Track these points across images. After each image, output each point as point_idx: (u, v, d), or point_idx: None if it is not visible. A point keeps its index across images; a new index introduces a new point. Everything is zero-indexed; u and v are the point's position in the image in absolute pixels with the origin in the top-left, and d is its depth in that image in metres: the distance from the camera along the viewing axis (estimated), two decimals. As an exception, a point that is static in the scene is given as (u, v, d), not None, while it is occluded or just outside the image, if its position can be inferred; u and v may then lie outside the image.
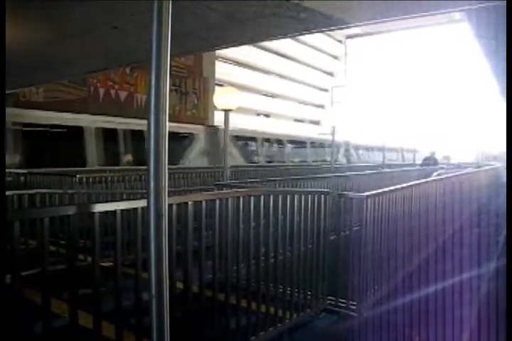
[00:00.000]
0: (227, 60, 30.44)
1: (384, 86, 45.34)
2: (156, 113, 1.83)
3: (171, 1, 1.86)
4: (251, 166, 15.56)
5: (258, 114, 35.98)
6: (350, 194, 4.30)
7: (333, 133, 13.22)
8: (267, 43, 30.23)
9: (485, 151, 30.26)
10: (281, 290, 3.68)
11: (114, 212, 2.42)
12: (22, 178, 8.70)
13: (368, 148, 27.48)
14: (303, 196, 3.87)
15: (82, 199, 6.30)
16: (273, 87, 37.48)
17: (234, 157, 15.98)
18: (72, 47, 5.63)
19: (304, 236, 3.88)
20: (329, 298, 4.18)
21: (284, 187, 6.71)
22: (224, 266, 3.21)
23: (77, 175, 7.49)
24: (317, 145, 22.32)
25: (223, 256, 3.22)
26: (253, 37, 5.47)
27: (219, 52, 23.42)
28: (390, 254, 4.39)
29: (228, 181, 6.52)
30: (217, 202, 3.06)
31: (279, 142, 20.27)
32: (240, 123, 18.86)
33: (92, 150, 12.48)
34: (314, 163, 20.40)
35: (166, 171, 1.85)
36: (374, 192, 4.19)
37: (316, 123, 43.65)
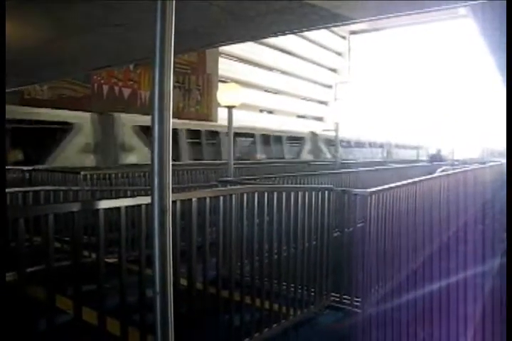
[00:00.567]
0: (230, 56, 30.39)
1: (388, 82, 45.20)
2: (160, 110, 1.84)
3: (174, 0, 1.86)
4: (254, 163, 15.54)
5: (261, 111, 35.95)
6: (354, 190, 4.28)
7: (336, 130, 13.22)
8: (269, 39, 30.13)
9: (490, 147, 30.18)
10: (285, 286, 3.69)
11: (119, 208, 2.42)
12: (27, 175, 8.73)
13: (371, 145, 27.39)
14: (306, 192, 3.87)
15: (87, 196, 6.33)
16: (276, 83, 37.42)
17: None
18: (75, 45, 5.63)
19: (307, 232, 3.88)
20: (333, 294, 4.18)
21: (287, 183, 6.70)
22: (228, 262, 3.21)
23: (82, 172, 7.51)
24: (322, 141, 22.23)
25: (227, 253, 3.22)
26: (256, 34, 5.46)
27: (222, 48, 23.40)
28: (394, 251, 4.39)
29: (232, 178, 6.53)
30: (221, 198, 3.07)
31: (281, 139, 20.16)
32: (243, 119, 18.85)
33: None
34: (319, 160, 20.36)
35: (170, 168, 1.85)
36: (378, 188, 4.18)
37: (320, 119, 43.57)
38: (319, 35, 38.91)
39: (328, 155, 20.98)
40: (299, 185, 6.35)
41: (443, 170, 9.49)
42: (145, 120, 12.32)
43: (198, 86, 20.01)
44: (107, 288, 2.39)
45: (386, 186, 4.39)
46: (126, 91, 16.54)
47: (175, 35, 1.87)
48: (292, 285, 3.76)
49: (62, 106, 12.76)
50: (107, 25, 4.64)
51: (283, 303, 3.62)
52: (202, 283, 2.90)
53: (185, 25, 4.44)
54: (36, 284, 2.22)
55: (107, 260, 2.46)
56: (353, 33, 47.21)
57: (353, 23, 4.84)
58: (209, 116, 20.26)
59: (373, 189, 4.09)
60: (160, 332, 1.94)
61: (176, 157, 13.93)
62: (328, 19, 4.57)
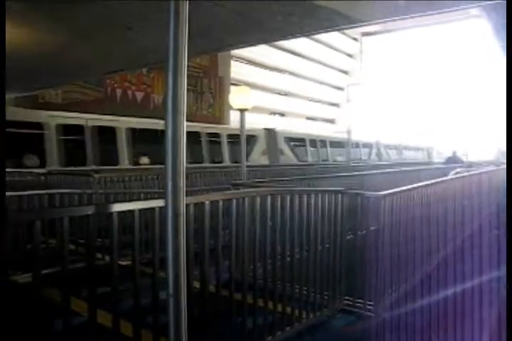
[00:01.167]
0: (242, 59, 30.47)
1: (400, 83, 44.93)
2: (174, 113, 1.84)
3: (187, 3, 1.87)
4: (269, 165, 15.57)
5: (273, 113, 35.95)
6: (367, 193, 4.25)
7: (348, 132, 13.18)
8: (281, 42, 30.17)
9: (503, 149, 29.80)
10: (297, 289, 3.68)
11: (132, 211, 2.44)
12: (42, 178, 8.84)
13: (385, 147, 27.21)
14: (319, 195, 3.86)
15: (100, 198, 6.37)
16: (287, 85, 37.40)
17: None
18: (89, 50, 5.69)
19: (320, 235, 3.87)
20: (346, 298, 4.16)
21: (300, 186, 6.69)
22: (241, 265, 3.21)
23: (96, 175, 7.57)
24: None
25: (240, 256, 3.22)
26: (268, 36, 5.47)
27: (234, 51, 23.45)
28: (408, 254, 4.35)
29: (244, 180, 6.54)
30: (234, 201, 3.07)
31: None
32: (255, 122, 18.88)
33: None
34: (333, 162, 20.27)
35: (184, 171, 1.86)
36: (391, 191, 4.14)
37: (331, 121, 43.47)
38: (330, 37, 38.85)
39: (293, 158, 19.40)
40: (311, 188, 6.33)
41: (457, 173, 9.38)
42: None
43: (210, 89, 20.09)
44: (121, 290, 2.40)
45: (399, 189, 4.36)
46: (139, 95, 16.66)
47: (187, 38, 1.88)
48: (305, 288, 3.74)
49: (75, 110, 12.88)
50: (120, 30, 4.68)
51: (296, 306, 3.61)
52: (215, 286, 2.90)
53: (198, 28, 4.45)
54: (51, 286, 2.24)
55: (120, 262, 2.47)
56: (365, 34, 47.01)
57: (365, 25, 4.83)
58: (221, 119, 20.32)
59: (386, 191, 4.06)
60: (173, 335, 1.94)
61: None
62: (340, 21, 4.56)
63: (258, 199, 3.28)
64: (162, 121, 1.88)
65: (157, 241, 2.49)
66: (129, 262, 2.53)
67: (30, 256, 2.10)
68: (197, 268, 2.77)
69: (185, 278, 1.95)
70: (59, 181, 8.24)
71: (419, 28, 42.06)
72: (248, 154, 17.70)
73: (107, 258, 2.55)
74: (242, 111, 6.67)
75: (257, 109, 25.25)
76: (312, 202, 3.75)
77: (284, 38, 5.45)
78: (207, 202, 2.79)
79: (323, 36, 36.58)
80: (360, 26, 4.85)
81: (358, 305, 4.07)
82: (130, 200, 4.69)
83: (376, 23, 4.80)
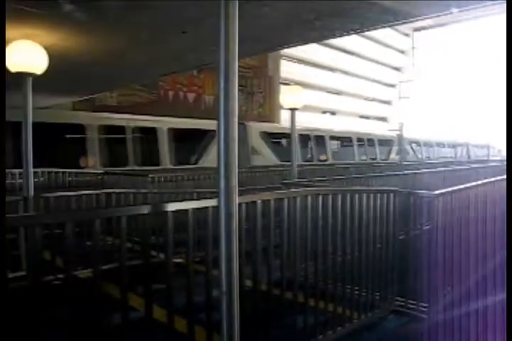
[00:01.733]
0: (291, 58, 30.39)
1: (453, 79, 43.27)
2: (226, 114, 1.88)
3: (237, 4, 1.90)
4: (318, 164, 15.48)
5: (324, 112, 35.64)
6: (420, 192, 4.15)
7: (401, 130, 12.87)
8: (330, 40, 29.86)
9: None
10: (349, 289, 3.64)
11: (186, 210, 2.49)
12: (99, 177, 9.24)
13: (437, 145, 26.40)
14: (371, 194, 3.81)
15: (155, 198, 6.55)
16: (338, 83, 36.97)
17: None
18: (143, 53, 5.87)
19: (372, 235, 3.82)
20: (398, 298, 4.08)
21: (352, 185, 6.61)
22: (292, 264, 3.22)
23: (150, 175, 7.80)
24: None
25: (291, 255, 3.23)
26: (317, 35, 5.44)
27: (283, 50, 23.44)
28: (463, 255, 4.21)
29: (295, 180, 6.53)
30: (286, 200, 3.08)
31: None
32: (306, 121, 18.79)
33: None
34: (383, 161, 19.90)
35: (236, 171, 1.89)
36: (445, 190, 4.02)
37: (383, 119, 42.58)
38: (381, 33, 37.99)
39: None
40: (363, 187, 6.24)
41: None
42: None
43: (260, 89, 20.21)
44: (175, 287, 2.46)
45: (454, 188, 4.22)
46: (191, 96, 16.99)
47: (238, 39, 1.91)
48: (357, 288, 3.71)
49: (130, 112, 13.32)
50: (174, 34, 4.80)
51: (347, 306, 3.58)
52: (266, 284, 2.93)
53: (248, 29, 4.51)
54: (109, 281, 2.34)
55: (174, 260, 2.54)
56: (417, 29, 45.68)
57: (417, 20, 4.72)
58: (272, 118, 20.39)
59: (440, 191, 3.95)
60: (226, 332, 1.98)
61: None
62: (391, 17, 4.49)
63: (309, 199, 3.27)
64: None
65: (210, 240, 2.54)
66: (183, 260, 2.59)
67: (90, 253, 2.20)
68: (249, 267, 2.80)
69: (237, 276, 1.98)
70: (117, 181, 8.59)
71: (471, 20, 40.33)
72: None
73: (162, 255, 2.62)
74: (292, 110, 6.66)
75: (308, 108, 25.14)
76: (364, 201, 3.71)
77: (335, 36, 5.41)
78: (259, 202, 2.81)
79: (373, 33, 35.88)
80: (412, 22, 4.73)
81: (410, 306, 3.99)
82: (184, 200, 4.79)
83: (426, 19, 4.68)
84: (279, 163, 14.51)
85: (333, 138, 18.65)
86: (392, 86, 43.53)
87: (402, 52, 46.17)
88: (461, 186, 4.34)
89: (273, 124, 17.63)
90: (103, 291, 2.25)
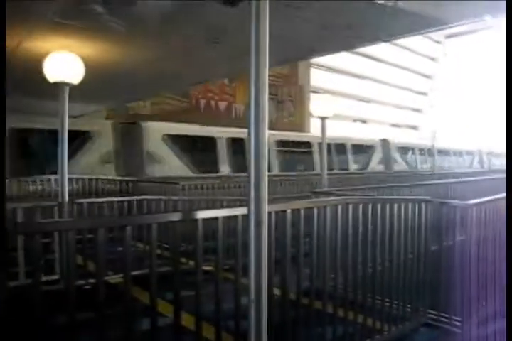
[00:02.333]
0: (321, 66, 30.34)
1: (487, 86, 42.20)
2: (256, 123, 1.89)
3: (268, 15, 1.92)
4: (347, 173, 15.35)
5: (354, 120, 35.38)
6: (454, 202, 4.06)
7: (433, 138, 12.64)
8: (362, 48, 29.70)
9: None
10: (379, 300, 3.58)
11: (216, 218, 2.51)
12: (131, 185, 9.42)
13: (471, 153, 25.81)
14: (402, 204, 3.75)
15: (185, 205, 6.61)
16: (369, 92, 36.67)
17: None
18: (176, 63, 5.97)
19: (403, 245, 3.75)
20: (430, 311, 3.99)
21: (382, 194, 6.52)
22: (321, 273, 3.19)
23: (181, 183, 7.88)
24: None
25: (321, 264, 3.21)
26: (348, 44, 5.44)
27: (313, 59, 23.46)
28: (498, 267, 4.08)
29: (325, 189, 6.49)
30: (315, 210, 3.06)
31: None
32: (336, 130, 18.68)
33: None
34: (419, 170, 19.57)
35: (266, 180, 1.89)
36: (480, 200, 3.92)
37: (414, 128, 41.92)
38: (412, 40, 37.55)
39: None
40: (394, 197, 6.15)
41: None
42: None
43: (290, 97, 20.24)
44: (204, 294, 2.47)
45: (490, 197, 4.11)
46: (222, 105, 17.15)
47: (268, 48, 1.92)
48: (387, 299, 3.64)
49: (162, 120, 13.57)
50: (206, 44, 4.87)
51: (377, 318, 3.52)
52: (295, 293, 2.91)
53: (279, 38, 4.54)
54: (136, 287, 2.36)
55: (203, 267, 2.55)
56: (448, 36, 44.87)
57: (449, 27, 4.66)
58: (302, 126, 20.36)
59: (475, 201, 3.85)
60: (253, 340, 1.98)
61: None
62: (421, 25, 4.45)
63: (339, 208, 3.25)
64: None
65: (239, 248, 2.55)
66: (211, 267, 2.60)
67: (121, 259, 2.24)
68: (278, 276, 2.79)
69: (266, 284, 1.98)
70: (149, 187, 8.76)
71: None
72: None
73: (191, 263, 2.64)
74: (323, 119, 6.64)
75: (338, 117, 25.00)
76: (395, 210, 3.65)
77: (366, 44, 5.39)
78: (288, 211, 2.80)
79: (404, 40, 35.50)
80: (444, 29, 4.68)
81: (442, 319, 3.88)
82: (214, 208, 4.82)
83: (460, 25, 4.61)
84: (191, 174, 12.52)
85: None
86: (423, 94, 42.84)
87: (434, 59, 45.46)
88: (496, 196, 4.22)
89: (186, 126, 14.49)
90: (132, 296, 2.27)
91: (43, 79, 4.68)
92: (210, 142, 13.42)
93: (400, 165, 19.35)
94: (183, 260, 4.51)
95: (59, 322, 2.00)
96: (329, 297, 3.15)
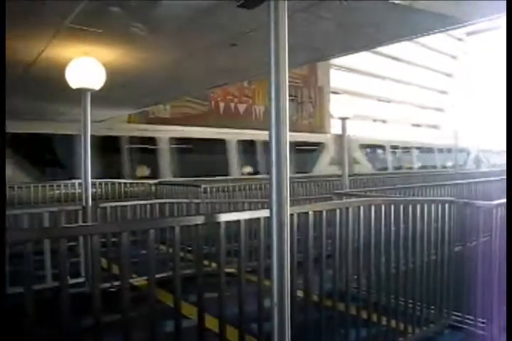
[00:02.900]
0: (340, 67, 30.19)
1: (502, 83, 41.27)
2: (277, 125, 1.89)
3: (286, 16, 1.92)
4: (370, 174, 15.25)
5: (375, 120, 35.10)
6: (477, 202, 3.99)
7: (455, 138, 12.44)
8: (380, 48, 29.42)
9: None
10: (402, 302, 3.54)
11: (238, 221, 2.51)
12: (153, 188, 9.54)
13: (495, 152, 25.33)
14: (425, 205, 3.70)
15: (207, 207, 6.65)
16: (388, 91, 36.31)
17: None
18: (196, 66, 6.01)
19: (427, 246, 3.71)
20: (455, 313, 3.92)
21: (406, 195, 6.46)
22: (344, 275, 3.17)
23: (202, 185, 7.94)
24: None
25: (343, 266, 3.19)
26: (368, 44, 5.40)
27: (333, 60, 23.35)
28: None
29: (347, 190, 6.45)
30: (338, 211, 3.05)
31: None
32: (357, 130, 18.59)
33: None
34: (440, 170, 19.33)
35: (288, 182, 1.89)
36: (504, 200, 3.85)
37: (435, 127, 41.33)
38: (432, 38, 37.05)
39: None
40: (417, 198, 6.08)
41: None
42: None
43: (310, 98, 20.18)
44: (227, 296, 2.48)
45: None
46: (242, 107, 17.19)
47: (288, 49, 1.92)
48: (411, 301, 3.60)
49: (182, 123, 13.75)
50: (225, 46, 4.89)
51: (401, 320, 3.47)
52: (318, 295, 2.90)
53: (298, 39, 4.54)
54: (160, 289, 2.38)
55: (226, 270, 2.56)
56: (470, 34, 44.10)
57: (469, 24, 4.59)
58: (322, 127, 20.28)
59: (499, 201, 3.78)
60: (277, 342, 1.98)
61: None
62: (442, 23, 4.39)
63: (362, 209, 3.23)
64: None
65: (262, 250, 2.55)
66: (234, 269, 2.61)
67: (144, 262, 2.26)
68: (300, 278, 2.78)
69: (289, 286, 1.98)
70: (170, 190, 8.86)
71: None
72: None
73: (214, 265, 2.65)
74: (343, 119, 6.62)
75: (358, 117, 24.84)
76: (418, 211, 3.61)
77: (386, 44, 5.34)
78: (310, 213, 2.79)
79: (424, 38, 35.05)
80: (465, 26, 4.60)
81: (468, 321, 3.82)
82: (236, 210, 4.83)
83: (481, 22, 4.53)
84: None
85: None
86: (445, 93, 42.24)
87: (455, 57, 44.76)
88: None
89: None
90: (156, 299, 2.29)
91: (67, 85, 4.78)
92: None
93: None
94: (206, 262, 4.57)
95: (85, 323, 2.03)
96: (352, 299, 3.13)
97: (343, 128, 6.65)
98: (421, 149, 21.30)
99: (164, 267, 4.27)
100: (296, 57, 5.26)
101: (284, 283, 1.95)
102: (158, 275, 2.39)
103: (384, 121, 36.31)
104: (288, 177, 1.89)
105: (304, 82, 19.78)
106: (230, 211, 5.90)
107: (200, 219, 2.38)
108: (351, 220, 3.17)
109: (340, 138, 15.84)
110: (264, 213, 2.45)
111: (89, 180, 4.85)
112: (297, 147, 14.58)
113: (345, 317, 3.06)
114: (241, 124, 15.64)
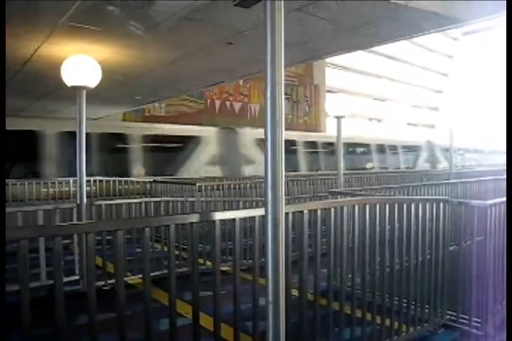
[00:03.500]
0: (336, 66, 30.19)
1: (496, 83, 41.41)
2: (273, 124, 1.89)
3: (283, 15, 1.92)
4: (364, 173, 15.23)
5: (370, 119, 35.13)
6: (472, 202, 4.00)
7: (450, 137, 12.43)
8: (377, 47, 29.44)
9: None
10: (397, 301, 3.56)
11: (233, 220, 2.52)
12: (148, 186, 9.52)
13: (489, 152, 25.38)
14: (420, 204, 3.72)
15: (202, 206, 6.65)
16: (384, 90, 36.36)
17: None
18: (192, 65, 6.00)
19: (421, 245, 3.72)
20: (449, 312, 3.94)
21: (400, 194, 6.47)
22: (339, 274, 3.18)
23: (197, 184, 7.92)
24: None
25: (338, 264, 3.19)
26: (364, 43, 5.40)
27: (328, 58, 23.35)
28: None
29: (342, 189, 6.46)
30: (332, 210, 3.05)
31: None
32: (352, 129, 18.53)
33: None
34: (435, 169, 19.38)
35: (283, 181, 1.89)
36: (499, 200, 3.87)
37: (431, 126, 41.42)
38: (428, 38, 37.10)
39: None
40: (411, 197, 6.10)
41: None
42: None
43: (305, 97, 20.18)
44: (221, 294, 2.48)
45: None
46: (237, 105, 17.17)
47: (284, 48, 1.92)
48: (405, 300, 3.61)
49: (177, 122, 13.70)
50: (221, 45, 4.89)
51: (395, 319, 3.49)
52: (313, 294, 2.91)
53: (294, 38, 4.54)
54: (154, 287, 2.38)
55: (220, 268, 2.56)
56: (466, 33, 44.19)
57: (465, 24, 4.60)
58: (317, 126, 20.29)
59: (494, 200, 3.80)
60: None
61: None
62: (438, 23, 4.40)
63: (356, 208, 3.24)
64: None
65: (256, 249, 2.55)
66: (229, 268, 2.61)
67: (140, 260, 2.26)
68: (295, 276, 2.79)
69: (283, 285, 1.98)
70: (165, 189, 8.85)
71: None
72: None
73: (208, 263, 2.65)
74: (339, 118, 6.61)
75: (353, 116, 24.85)
76: (412, 211, 3.62)
77: (382, 43, 5.35)
78: (305, 211, 2.80)
79: (420, 38, 35.07)
80: (460, 26, 4.62)
81: (462, 321, 3.84)
82: (231, 209, 4.83)
83: (477, 22, 4.55)
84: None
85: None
86: (440, 92, 42.31)
87: (450, 57, 44.86)
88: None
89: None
90: (151, 297, 2.29)
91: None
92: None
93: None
94: (201, 261, 4.57)
95: (79, 321, 2.03)
96: (347, 298, 3.14)
97: (339, 127, 6.65)
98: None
99: (159, 265, 4.30)
100: (292, 55, 5.27)
101: (278, 281, 1.95)
102: (153, 274, 2.39)
103: (379, 120, 36.36)
104: (283, 175, 1.89)
105: (299, 80, 19.78)
106: (226, 210, 5.91)
107: (195, 218, 2.38)
108: (346, 219, 3.18)
109: (228, 133, 14.89)
110: (259, 212, 2.45)
111: (84, 178, 4.83)
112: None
113: (339, 315, 3.07)
114: (236, 123, 15.62)
